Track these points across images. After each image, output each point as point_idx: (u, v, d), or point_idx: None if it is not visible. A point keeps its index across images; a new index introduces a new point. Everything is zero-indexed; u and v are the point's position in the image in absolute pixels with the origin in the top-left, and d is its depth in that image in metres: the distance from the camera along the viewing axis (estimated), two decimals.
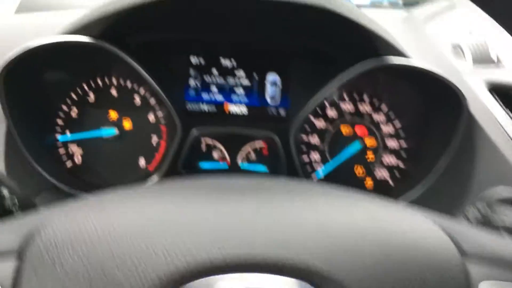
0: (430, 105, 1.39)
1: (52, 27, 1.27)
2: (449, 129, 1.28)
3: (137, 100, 1.46)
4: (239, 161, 1.48)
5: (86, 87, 1.44)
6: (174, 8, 1.17)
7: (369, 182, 1.47)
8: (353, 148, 1.44)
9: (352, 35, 1.19)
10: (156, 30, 1.37)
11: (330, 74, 1.34)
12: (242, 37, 1.40)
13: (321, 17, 1.12)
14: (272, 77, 1.49)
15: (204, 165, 1.46)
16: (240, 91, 1.50)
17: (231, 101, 1.49)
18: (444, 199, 1.33)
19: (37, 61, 1.25)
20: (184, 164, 1.40)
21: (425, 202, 1.36)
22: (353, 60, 1.29)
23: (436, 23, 1.57)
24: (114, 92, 1.46)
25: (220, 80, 1.49)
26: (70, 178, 1.37)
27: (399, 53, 1.24)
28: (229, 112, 1.50)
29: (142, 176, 1.45)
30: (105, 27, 1.20)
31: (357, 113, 1.46)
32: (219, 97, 1.50)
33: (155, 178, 1.41)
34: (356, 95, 1.46)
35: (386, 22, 1.25)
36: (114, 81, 1.45)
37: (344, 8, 1.09)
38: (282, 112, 1.49)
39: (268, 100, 1.49)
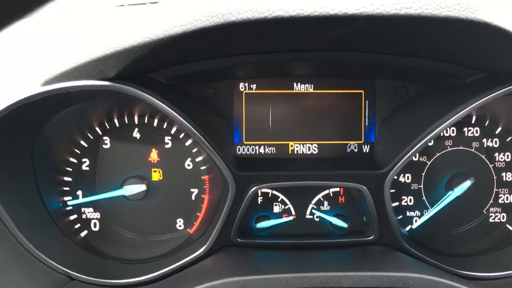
0: None
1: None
2: None
3: (168, 142, 1.08)
4: (307, 213, 1.11)
5: (98, 130, 1.06)
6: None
7: (477, 229, 1.12)
8: (458, 184, 1.06)
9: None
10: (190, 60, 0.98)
11: (446, 98, 0.97)
12: (310, 53, 1.00)
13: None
14: None
15: (263, 224, 1.09)
16: (308, 124, 1.11)
17: (296, 138, 1.11)
18: None
19: (31, 108, 0.87)
20: (240, 227, 1.02)
21: None
22: (486, 80, 0.91)
23: None
24: (136, 133, 1.08)
25: (279, 112, 1.10)
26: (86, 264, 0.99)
27: None
28: (294, 153, 1.11)
29: (180, 243, 1.09)
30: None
31: (461, 138, 1.09)
32: (281, 135, 1.11)
33: (199, 246, 1.02)
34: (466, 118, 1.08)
35: None
36: (137, 119, 1.07)
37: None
38: (366, 148, 1.11)
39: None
